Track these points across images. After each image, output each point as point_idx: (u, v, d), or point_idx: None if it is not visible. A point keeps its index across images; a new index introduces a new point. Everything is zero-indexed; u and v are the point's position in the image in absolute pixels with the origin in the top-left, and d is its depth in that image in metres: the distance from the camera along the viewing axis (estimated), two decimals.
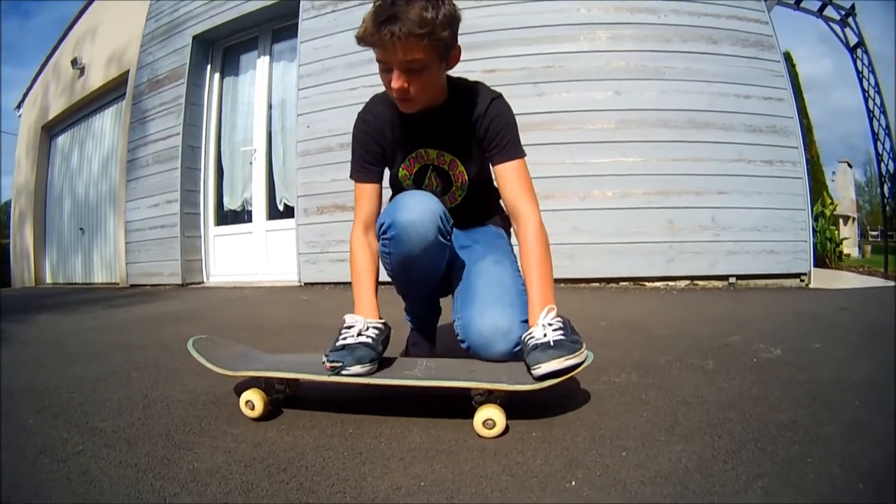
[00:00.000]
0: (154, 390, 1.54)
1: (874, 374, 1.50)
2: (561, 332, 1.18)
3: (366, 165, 1.47)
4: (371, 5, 1.22)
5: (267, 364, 1.35)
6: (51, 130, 8.38)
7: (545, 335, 1.17)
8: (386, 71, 1.27)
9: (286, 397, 1.33)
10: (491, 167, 1.46)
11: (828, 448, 0.98)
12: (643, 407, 1.25)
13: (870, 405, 1.22)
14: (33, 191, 8.28)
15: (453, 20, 1.25)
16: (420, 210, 1.30)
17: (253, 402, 1.23)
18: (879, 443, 1.01)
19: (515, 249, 1.48)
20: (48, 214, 8.34)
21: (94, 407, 1.41)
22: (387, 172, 1.54)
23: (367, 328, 1.28)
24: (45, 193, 8.37)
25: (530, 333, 1.21)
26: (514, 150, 1.41)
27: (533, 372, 1.13)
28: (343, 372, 1.19)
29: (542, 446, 1.04)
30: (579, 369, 1.15)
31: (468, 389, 1.16)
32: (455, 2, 1.26)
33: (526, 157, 1.42)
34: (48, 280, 8.33)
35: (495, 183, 1.50)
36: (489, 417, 1.09)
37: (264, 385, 1.27)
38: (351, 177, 1.49)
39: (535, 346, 1.16)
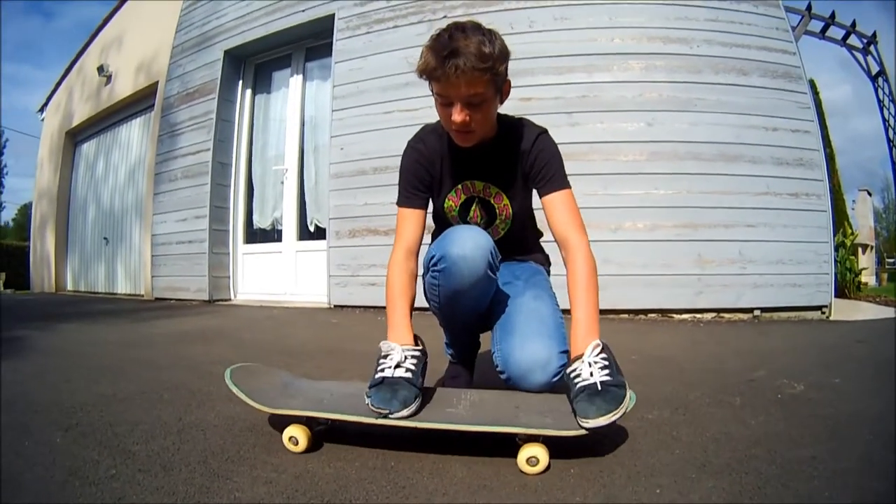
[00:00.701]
0: (188, 414, 1.52)
1: (885, 407, 1.58)
2: (607, 371, 1.18)
3: (414, 192, 1.49)
4: (429, 38, 1.28)
5: (310, 398, 1.34)
6: (75, 137, 8.47)
7: (591, 374, 1.18)
8: (446, 105, 1.31)
9: (328, 429, 1.31)
10: (540, 200, 1.47)
11: (843, 482, 1.04)
12: (675, 444, 1.28)
13: (881, 438, 1.29)
14: (56, 196, 8.34)
15: (507, 54, 1.30)
16: (472, 245, 1.32)
17: (297, 437, 1.21)
18: (885, 474, 1.08)
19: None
20: (71, 221, 8.41)
21: (126, 428, 1.38)
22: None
23: (406, 358, 1.26)
24: (68, 199, 8.44)
25: (575, 370, 1.21)
26: (560, 181, 1.43)
27: (581, 423, 1.13)
28: (390, 416, 1.18)
29: (580, 483, 1.06)
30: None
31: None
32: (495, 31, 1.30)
33: (572, 189, 1.45)
34: (69, 287, 8.39)
35: (539, 221, 1.55)
36: (533, 455, 1.10)
37: (306, 420, 1.25)
38: (398, 203, 1.50)
39: (583, 390, 1.17)
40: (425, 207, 1.51)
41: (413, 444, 1.27)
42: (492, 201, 1.52)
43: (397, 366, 1.24)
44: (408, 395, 1.20)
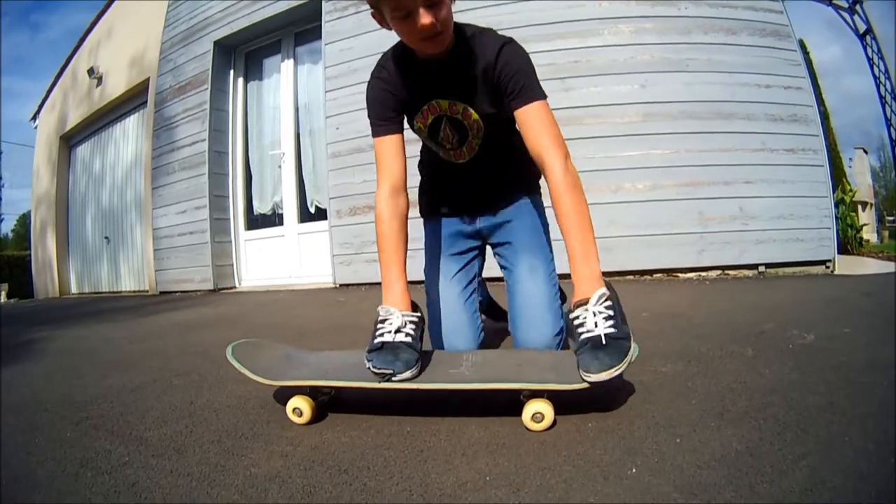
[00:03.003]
0: (199, 397, 1.51)
1: None
2: (611, 323, 1.16)
3: (385, 120, 1.42)
4: None
5: (312, 369, 1.33)
6: (70, 140, 8.45)
7: (596, 325, 1.15)
8: (405, 18, 1.22)
9: (332, 399, 1.30)
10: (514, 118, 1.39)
11: (863, 427, 1.03)
12: (692, 395, 1.28)
13: None
14: (54, 201, 8.33)
15: None
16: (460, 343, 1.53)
17: (300, 408, 1.21)
18: None
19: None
20: (71, 224, 8.40)
21: (137, 416, 1.37)
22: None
23: (405, 324, 1.24)
24: (66, 203, 8.43)
25: (579, 317, 1.18)
26: (529, 94, 1.32)
27: (583, 376, 1.11)
28: (393, 379, 1.17)
29: (599, 436, 1.06)
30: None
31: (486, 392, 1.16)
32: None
33: (547, 99, 1.34)
34: (73, 290, 8.39)
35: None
36: (538, 411, 1.10)
37: (310, 390, 1.24)
38: (372, 135, 1.44)
39: (586, 343, 1.14)
40: (401, 131, 1.44)
41: (428, 408, 1.26)
42: (459, 118, 1.46)
43: (397, 330, 1.23)
44: (409, 358, 1.19)
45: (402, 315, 1.26)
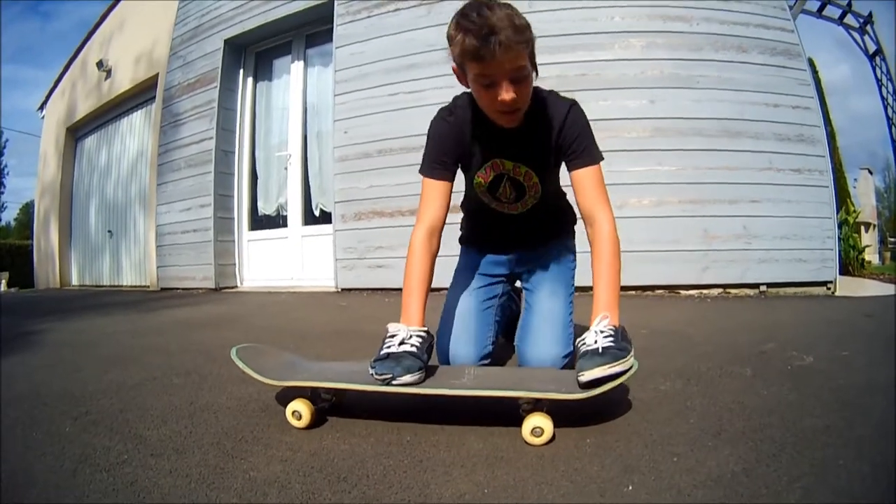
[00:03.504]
0: (199, 397, 1.51)
1: None
2: (611, 339, 1.21)
3: (441, 163, 1.46)
4: (453, 23, 1.24)
5: (314, 373, 1.34)
6: (76, 132, 8.45)
7: (595, 342, 1.20)
8: (488, 86, 1.27)
9: (332, 406, 1.31)
10: (568, 173, 1.47)
11: (859, 450, 1.04)
12: (690, 413, 1.29)
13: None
14: (58, 192, 8.33)
15: (530, 24, 1.28)
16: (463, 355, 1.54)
17: (300, 412, 1.22)
18: None
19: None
20: (74, 215, 8.40)
21: (137, 414, 1.37)
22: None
23: (411, 336, 1.27)
24: (70, 194, 8.43)
25: (583, 339, 1.25)
26: (589, 157, 1.43)
27: (579, 379, 1.16)
28: (393, 382, 1.18)
29: (597, 453, 1.07)
30: (625, 377, 1.18)
31: (516, 398, 1.18)
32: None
33: (602, 162, 1.45)
34: (74, 282, 8.39)
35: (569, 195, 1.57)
36: (537, 426, 1.11)
37: (310, 394, 1.25)
38: (421, 172, 1.48)
39: (584, 353, 1.19)
40: (452, 180, 1.48)
41: (428, 417, 1.27)
42: (521, 180, 1.52)
43: (402, 342, 1.25)
44: (412, 364, 1.21)
45: (409, 330, 1.29)
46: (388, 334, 1.28)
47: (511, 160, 1.48)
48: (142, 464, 1.05)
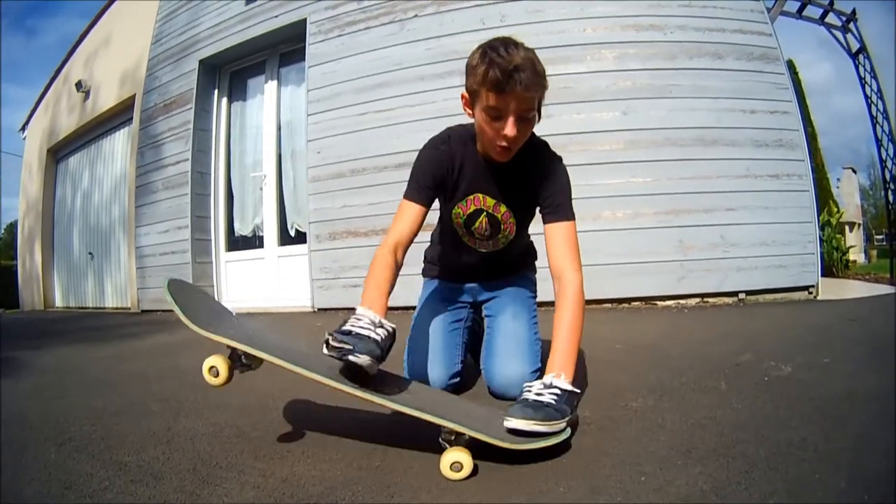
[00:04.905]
0: (176, 423, 1.55)
1: (881, 386, 1.53)
2: (554, 398, 1.19)
3: (424, 188, 1.49)
4: (478, 53, 1.29)
5: (244, 334, 1.28)
6: (57, 153, 8.42)
7: (539, 394, 1.20)
8: (496, 119, 1.31)
9: (246, 368, 1.26)
10: (543, 225, 1.50)
11: (836, 463, 1.01)
12: (660, 431, 1.28)
13: (877, 418, 1.26)
14: (41, 212, 8.29)
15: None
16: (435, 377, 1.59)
17: (217, 368, 1.19)
18: (884, 454, 1.04)
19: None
20: (57, 237, 8.36)
21: (117, 440, 1.41)
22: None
23: (379, 325, 1.18)
24: (52, 216, 8.38)
25: (530, 385, 1.24)
26: (565, 212, 1.47)
27: (504, 423, 1.15)
28: (350, 357, 1.10)
29: (565, 473, 1.07)
30: (552, 440, 1.14)
31: (439, 430, 1.13)
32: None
33: (575, 220, 1.48)
34: (58, 303, 8.35)
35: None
36: (456, 461, 1.07)
37: (230, 353, 1.21)
38: (405, 194, 1.50)
39: (521, 401, 1.19)
40: (429, 206, 1.51)
41: (398, 438, 1.30)
42: (499, 218, 1.57)
43: (369, 326, 1.17)
44: (373, 349, 1.12)
45: (378, 318, 1.20)
46: (356, 315, 1.20)
47: (493, 198, 1.53)
48: (122, 490, 1.09)
